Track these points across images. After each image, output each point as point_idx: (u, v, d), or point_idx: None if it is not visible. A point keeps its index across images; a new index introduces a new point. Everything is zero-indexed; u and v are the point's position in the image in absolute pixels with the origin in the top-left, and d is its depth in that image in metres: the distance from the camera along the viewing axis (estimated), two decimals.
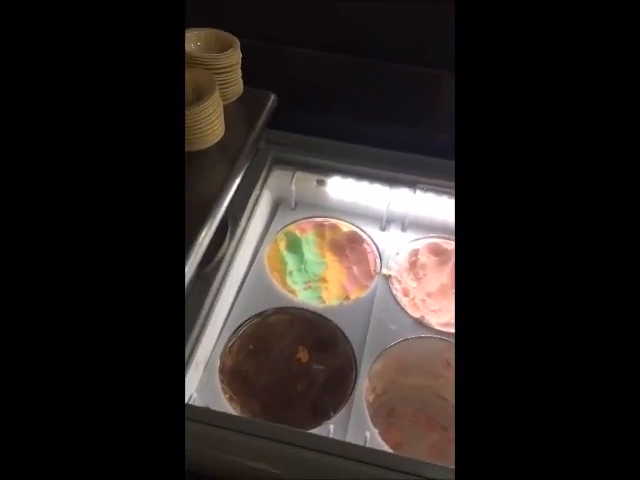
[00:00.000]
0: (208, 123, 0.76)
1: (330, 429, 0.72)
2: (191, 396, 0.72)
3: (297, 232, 1.01)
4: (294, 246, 0.99)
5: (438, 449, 0.86)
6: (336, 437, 0.71)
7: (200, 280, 0.74)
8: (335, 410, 0.75)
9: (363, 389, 0.77)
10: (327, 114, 0.99)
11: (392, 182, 0.96)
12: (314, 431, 0.72)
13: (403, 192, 0.96)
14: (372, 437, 0.71)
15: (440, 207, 0.97)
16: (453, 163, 0.95)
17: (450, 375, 0.88)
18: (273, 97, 0.91)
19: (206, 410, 0.69)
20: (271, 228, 1.00)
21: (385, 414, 0.89)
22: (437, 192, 0.95)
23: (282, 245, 0.99)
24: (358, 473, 0.60)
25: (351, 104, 0.98)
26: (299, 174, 0.98)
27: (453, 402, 0.75)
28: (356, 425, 0.72)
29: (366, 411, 0.74)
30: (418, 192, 0.95)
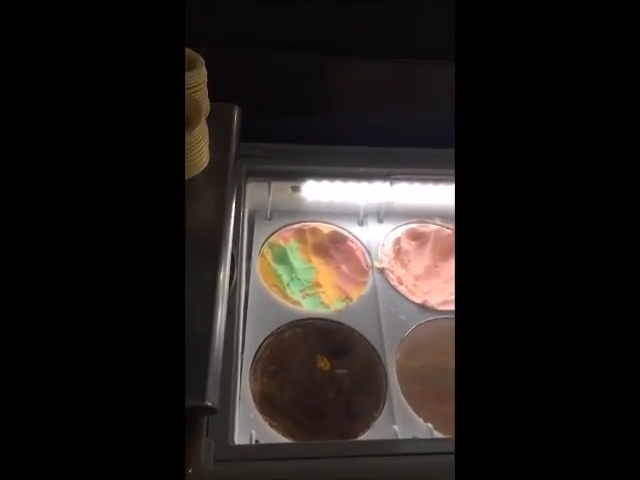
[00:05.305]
0: (197, 150, 0.71)
1: (381, 429, 0.74)
2: (251, 435, 0.69)
3: (280, 242, 0.99)
4: (281, 257, 0.98)
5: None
6: (386, 435, 0.73)
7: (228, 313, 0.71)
8: (377, 410, 0.77)
9: (396, 383, 0.80)
10: (290, 117, 0.98)
11: (366, 177, 0.98)
12: (365, 437, 0.73)
13: (377, 185, 0.99)
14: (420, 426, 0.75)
15: (412, 194, 1.01)
16: (425, 151, 0.99)
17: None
18: (237, 109, 0.88)
19: (258, 446, 0.68)
20: (254, 242, 0.98)
21: None
22: (410, 180, 0.99)
23: (269, 258, 0.97)
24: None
25: (315, 104, 0.98)
26: (274, 184, 0.96)
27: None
28: (403, 420, 0.75)
29: (405, 403, 0.78)
30: (392, 183, 0.98)
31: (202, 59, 0.78)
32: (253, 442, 0.69)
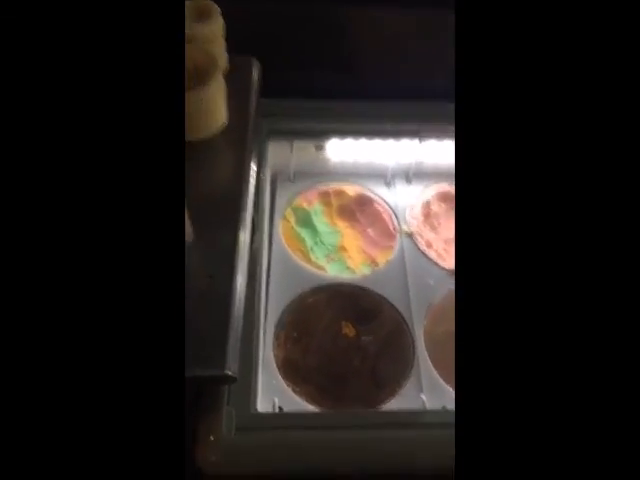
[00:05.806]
0: (214, 107, 0.67)
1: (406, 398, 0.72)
2: (274, 402, 0.68)
3: (304, 205, 0.96)
4: (304, 220, 0.95)
5: None
6: (413, 404, 0.71)
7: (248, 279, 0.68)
8: (403, 377, 0.75)
9: (424, 351, 0.77)
10: (313, 72, 0.92)
11: (393, 134, 0.92)
12: (390, 405, 0.71)
13: (405, 143, 0.93)
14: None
15: (443, 152, 0.95)
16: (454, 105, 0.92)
17: None
18: (257, 63, 0.83)
19: (280, 415, 0.66)
20: (276, 205, 0.94)
21: None
22: (439, 137, 0.93)
23: (292, 221, 0.94)
24: None
25: (337, 58, 0.92)
26: (297, 143, 0.91)
27: None
28: (431, 388, 0.73)
29: (434, 371, 0.75)
30: (421, 140, 0.92)
31: (218, 9, 0.73)
32: (276, 409, 0.67)
